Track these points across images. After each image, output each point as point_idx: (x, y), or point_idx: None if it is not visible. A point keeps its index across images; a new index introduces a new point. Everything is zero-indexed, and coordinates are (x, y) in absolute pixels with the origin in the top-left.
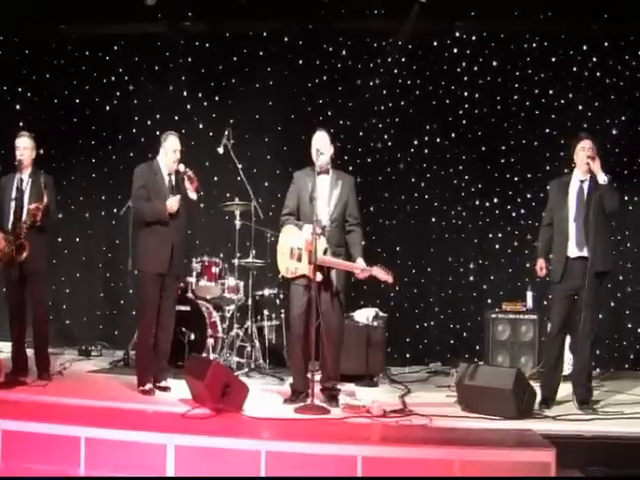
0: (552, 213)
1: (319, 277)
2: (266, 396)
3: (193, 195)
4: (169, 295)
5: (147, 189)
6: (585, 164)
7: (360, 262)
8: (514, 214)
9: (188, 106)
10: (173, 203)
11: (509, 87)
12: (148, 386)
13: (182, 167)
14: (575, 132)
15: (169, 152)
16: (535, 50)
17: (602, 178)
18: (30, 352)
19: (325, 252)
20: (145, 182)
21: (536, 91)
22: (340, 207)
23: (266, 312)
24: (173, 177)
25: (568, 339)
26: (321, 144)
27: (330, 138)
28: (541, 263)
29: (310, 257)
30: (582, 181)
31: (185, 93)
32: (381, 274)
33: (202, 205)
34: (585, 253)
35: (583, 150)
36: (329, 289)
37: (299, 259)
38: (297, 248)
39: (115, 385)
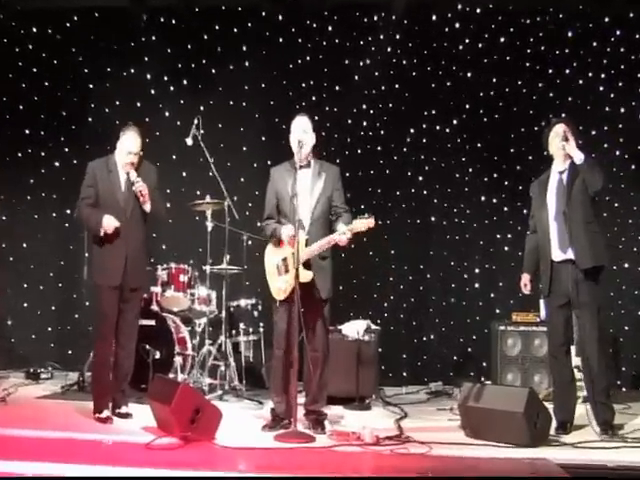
0: (534, 219)
1: (306, 276)
2: (242, 422)
3: (146, 207)
4: (129, 308)
5: (97, 190)
6: (560, 149)
7: (339, 228)
8: (525, 211)
9: (152, 91)
10: (109, 223)
11: (519, 67)
12: (106, 413)
13: (133, 176)
14: (595, 116)
15: (122, 153)
16: (549, 24)
17: (578, 157)
18: None
19: (307, 244)
20: (95, 181)
21: (550, 71)
22: (323, 202)
23: (242, 326)
24: (132, 176)
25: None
26: (303, 132)
27: (312, 125)
28: (525, 279)
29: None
30: (561, 172)
31: (149, 76)
32: (360, 224)
33: (168, 205)
34: (570, 255)
35: (557, 135)
36: (312, 298)
37: (286, 270)
38: (282, 260)
39: (68, 412)
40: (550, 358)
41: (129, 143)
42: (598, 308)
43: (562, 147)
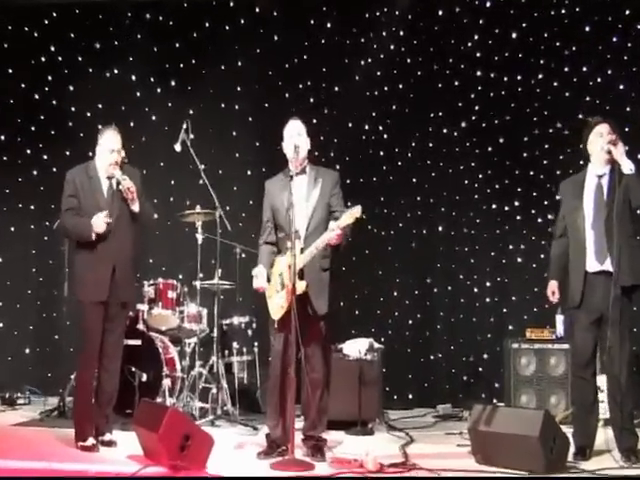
0: (565, 222)
1: (301, 287)
2: (236, 449)
3: (134, 207)
4: (114, 327)
5: (79, 198)
6: (606, 152)
7: (330, 225)
8: (540, 220)
9: (138, 93)
10: (98, 222)
11: (532, 64)
12: (90, 441)
13: (118, 174)
14: (615, 117)
15: (104, 152)
16: (565, 17)
17: (628, 166)
18: None
19: (302, 252)
20: (76, 190)
21: (566, 69)
22: (320, 210)
23: (235, 345)
24: (114, 181)
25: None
26: (298, 136)
27: (306, 128)
28: (553, 286)
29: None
30: (600, 176)
31: (134, 77)
32: (346, 217)
33: (156, 215)
34: (608, 266)
35: (601, 136)
36: (309, 314)
37: (283, 286)
38: (278, 276)
39: (48, 440)
40: (573, 378)
41: (109, 141)
42: (630, 328)
43: (608, 151)
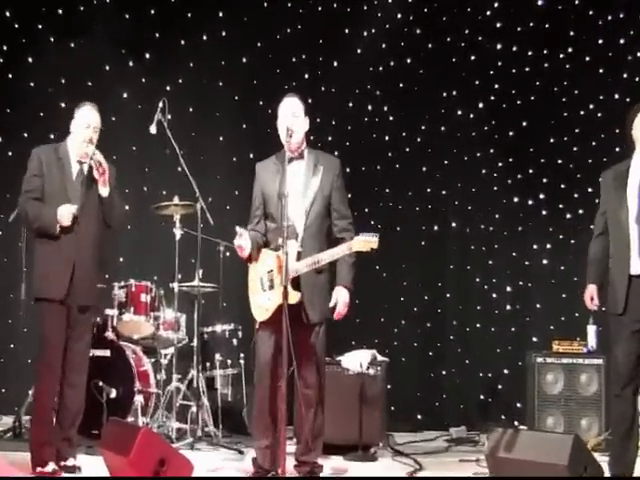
0: (606, 217)
1: (294, 297)
2: (219, 476)
3: (104, 191)
4: (78, 335)
5: (43, 180)
6: None
7: (341, 293)
8: (569, 216)
9: (107, 67)
10: (64, 213)
11: (560, 37)
12: (50, 466)
13: (90, 150)
14: None
15: (79, 128)
16: None
17: None
18: None
19: (299, 257)
20: (41, 170)
21: (600, 41)
22: (320, 202)
23: (219, 357)
24: (86, 167)
25: None
26: (292, 116)
27: (305, 107)
28: (592, 291)
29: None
30: None
31: (102, 48)
32: (359, 244)
33: (127, 207)
34: None
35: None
36: (303, 321)
37: (271, 286)
38: (267, 272)
39: (1, 466)
40: (612, 397)
41: (87, 116)
42: None
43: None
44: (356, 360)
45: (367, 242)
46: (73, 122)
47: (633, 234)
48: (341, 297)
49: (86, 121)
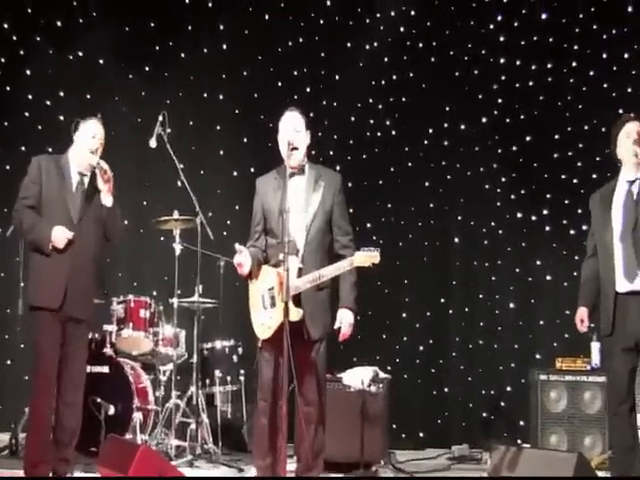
0: (595, 239)
1: (296, 315)
2: None
3: (108, 200)
4: (74, 350)
5: (42, 188)
6: (633, 156)
7: (345, 315)
8: (573, 231)
9: (106, 80)
10: (59, 236)
11: (564, 50)
12: None
13: (94, 159)
14: None
15: (85, 138)
16: None
17: None
18: None
19: (300, 274)
20: (40, 177)
21: (604, 55)
22: (321, 218)
23: (218, 374)
24: (87, 179)
25: None
26: (294, 131)
27: (306, 122)
28: (582, 314)
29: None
30: (631, 182)
31: (101, 61)
32: (361, 259)
33: (126, 222)
34: (638, 286)
35: (628, 137)
36: (304, 338)
37: (273, 304)
38: (268, 290)
39: None
40: (611, 417)
41: (93, 127)
42: None
43: (636, 154)
44: (357, 377)
45: (368, 257)
46: (78, 133)
47: (617, 253)
48: (345, 319)
49: (92, 132)
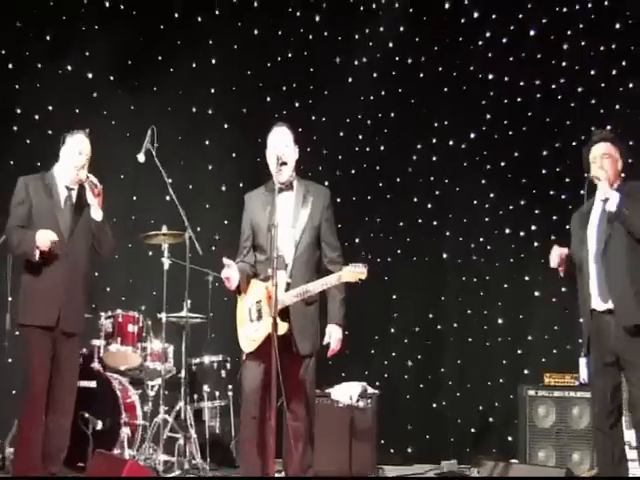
0: (575, 258)
1: (281, 328)
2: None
3: (98, 214)
4: (65, 364)
5: (31, 208)
6: (597, 179)
7: (334, 331)
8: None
9: (94, 94)
10: (42, 238)
11: (553, 67)
12: None
13: (83, 174)
14: None
15: (71, 154)
16: (592, 12)
17: (612, 203)
18: None
19: (287, 288)
20: (29, 197)
21: (593, 71)
22: (309, 234)
23: (207, 389)
24: (74, 193)
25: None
26: (283, 147)
27: (295, 137)
28: (561, 250)
29: (271, 304)
30: (605, 200)
31: (90, 75)
32: (348, 274)
33: (113, 238)
34: (611, 305)
35: (594, 161)
36: (292, 353)
37: (259, 316)
38: (256, 303)
39: None
40: (594, 432)
41: (79, 142)
42: None
43: (598, 178)
44: (346, 392)
45: (356, 273)
46: (64, 148)
47: (592, 272)
48: (334, 334)
49: (78, 148)
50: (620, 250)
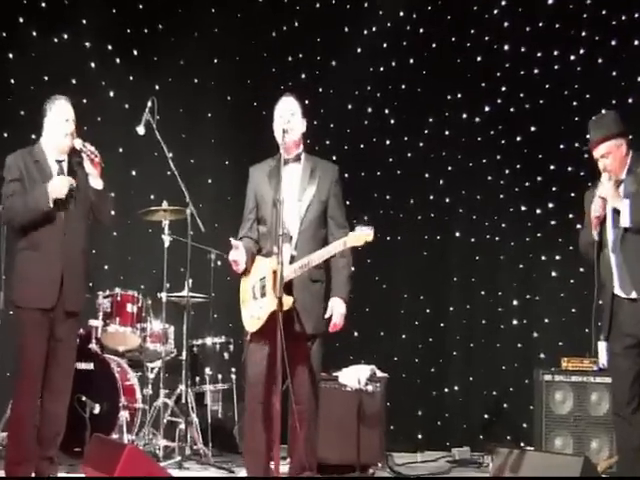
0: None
1: (286, 303)
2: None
3: (97, 182)
4: (62, 345)
5: (24, 183)
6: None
7: (336, 304)
8: (579, 226)
9: (92, 64)
10: (58, 184)
11: (572, 37)
12: None
13: (78, 142)
14: None
15: (57, 124)
16: None
17: (624, 216)
18: None
19: (292, 261)
20: (21, 174)
21: (613, 42)
22: (316, 208)
23: (209, 371)
24: (65, 163)
25: None
26: (288, 117)
27: (302, 108)
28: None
29: (276, 280)
30: (619, 182)
31: (87, 44)
32: (354, 238)
33: (112, 212)
34: (635, 295)
35: (597, 160)
36: (296, 333)
37: (263, 293)
38: (259, 280)
39: None
40: (614, 417)
41: (62, 111)
42: None
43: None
44: (354, 376)
45: (362, 235)
46: (47, 119)
47: (612, 262)
48: (337, 308)
49: (64, 115)
50: (634, 241)
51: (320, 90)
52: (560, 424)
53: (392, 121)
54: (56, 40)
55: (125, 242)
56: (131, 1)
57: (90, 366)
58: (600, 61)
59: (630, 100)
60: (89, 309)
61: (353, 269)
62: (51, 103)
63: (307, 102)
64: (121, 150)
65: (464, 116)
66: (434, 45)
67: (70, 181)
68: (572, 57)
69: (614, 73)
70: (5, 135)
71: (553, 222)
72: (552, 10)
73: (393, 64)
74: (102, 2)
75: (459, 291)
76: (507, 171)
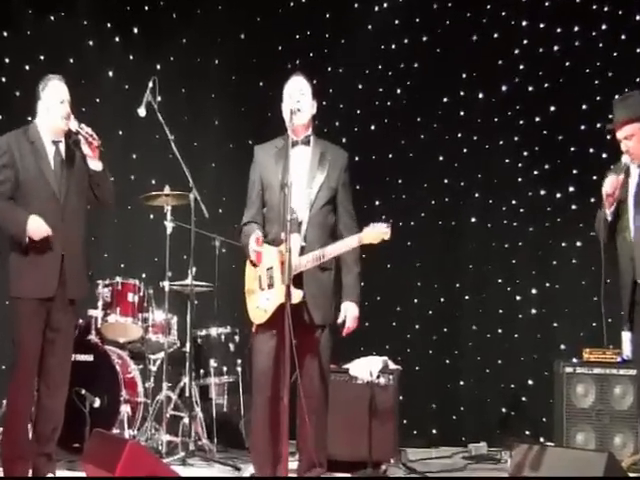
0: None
1: (296, 297)
2: None
3: (96, 164)
4: (60, 336)
5: (17, 170)
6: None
7: (350, 308)
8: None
9: (90, 42)
10: (37, 229)
11: (593, 12)
12: None
13: (74, 124)
14: None
15: (52, 105)
16: None
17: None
18: None
19: (302, 252)
20: (13, 160)
21: (637, 17)
22: (326, 195)
23: (213, 363)
24: (62, 145)
25: None
26: (298, 97)
27: (312, 88)
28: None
29: (284, 270)
30: None
31: (85, 22)
32: (370, 235)
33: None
34: None
35: (621, 143)
36: (305, 324)
37: (271, 284)
38: (267, 270)
39: None
40: (639, 412)
41: (57, 91)
42: None
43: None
44: (365, 368)
45: (378, 233)
46: (42, 99)
47: (636, 250)
48: (350, 312)
49: (59, 96)
50: None
51: (329, 69)
52: (582, 418)
53: (404, 101)
54: (52, 18)
55: (126, 229)
56: None
57: (90, 358)
58: (623, 37)
59: (626, 90)
60: (88, 299)
61: (364, 256)
62: (44, 84)
63: (315, 82)
64: (121, 133)
65: (480, 96)
66: (448, 22)
67: (46, 232)
68: (594, 33)
69: (638, 50)
70: (0, 117)
71: (574, 207)
72: None
73: (405, 42)
74: None
75: (475, 279)
76: (525, 153)
